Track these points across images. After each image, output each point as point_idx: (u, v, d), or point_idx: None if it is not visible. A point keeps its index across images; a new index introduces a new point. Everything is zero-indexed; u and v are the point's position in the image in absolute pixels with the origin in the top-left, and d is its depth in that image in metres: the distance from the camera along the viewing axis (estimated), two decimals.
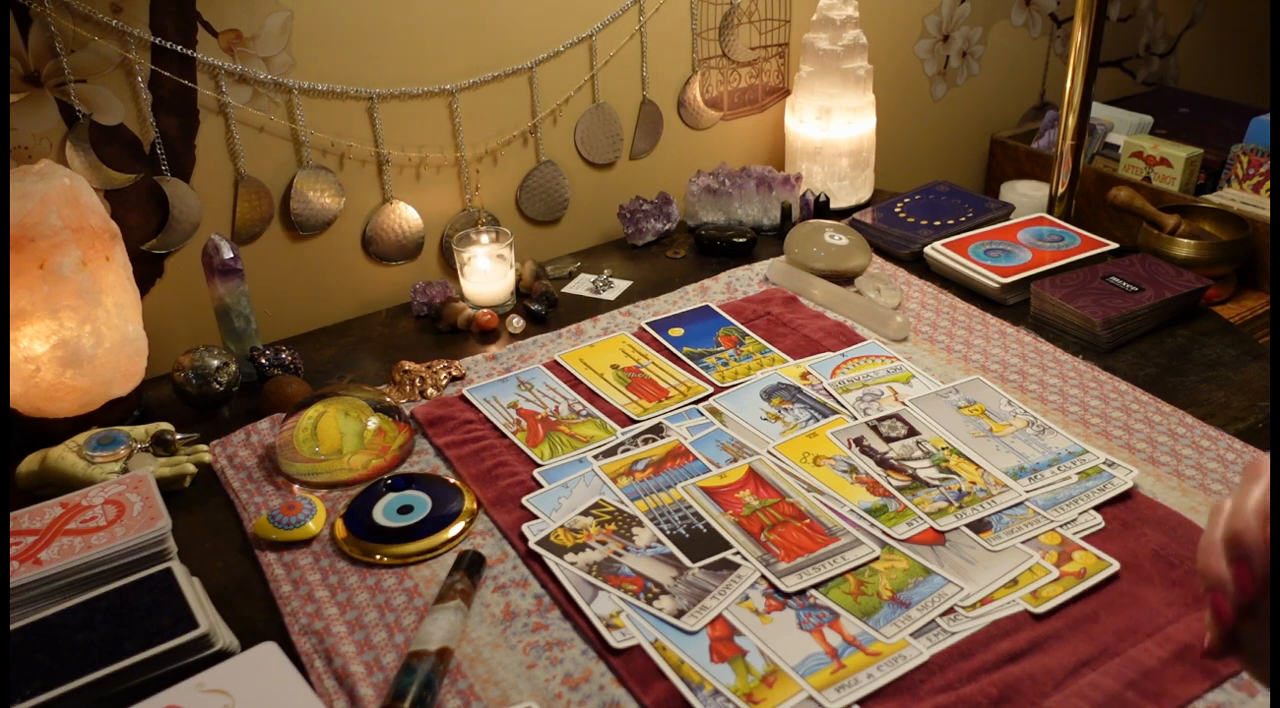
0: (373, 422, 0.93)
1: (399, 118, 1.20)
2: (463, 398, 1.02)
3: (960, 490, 0.85)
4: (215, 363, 1.00)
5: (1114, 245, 1.22)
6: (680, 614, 0.74)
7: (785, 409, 0.97)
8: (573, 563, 0.79)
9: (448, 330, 1.17)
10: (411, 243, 1.27)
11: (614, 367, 1.06)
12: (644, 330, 1.13)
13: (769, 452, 0.91)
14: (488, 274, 1.18)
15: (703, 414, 0.97)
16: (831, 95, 1.39)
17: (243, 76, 1.09)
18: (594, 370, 1.05)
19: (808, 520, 0.82)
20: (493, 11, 1.21)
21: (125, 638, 0.69)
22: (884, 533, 0.81)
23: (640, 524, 0.83)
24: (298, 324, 1.21)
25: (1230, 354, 1.05)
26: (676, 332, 1.12)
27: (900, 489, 0.86)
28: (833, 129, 1.39)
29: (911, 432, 0.93)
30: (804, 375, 1.03)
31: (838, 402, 0.98)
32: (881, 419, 0.95)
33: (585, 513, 0.85)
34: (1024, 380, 1.01)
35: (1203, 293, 1.12)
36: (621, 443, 0.94)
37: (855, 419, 0.95)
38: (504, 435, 0.96)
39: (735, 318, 1.14)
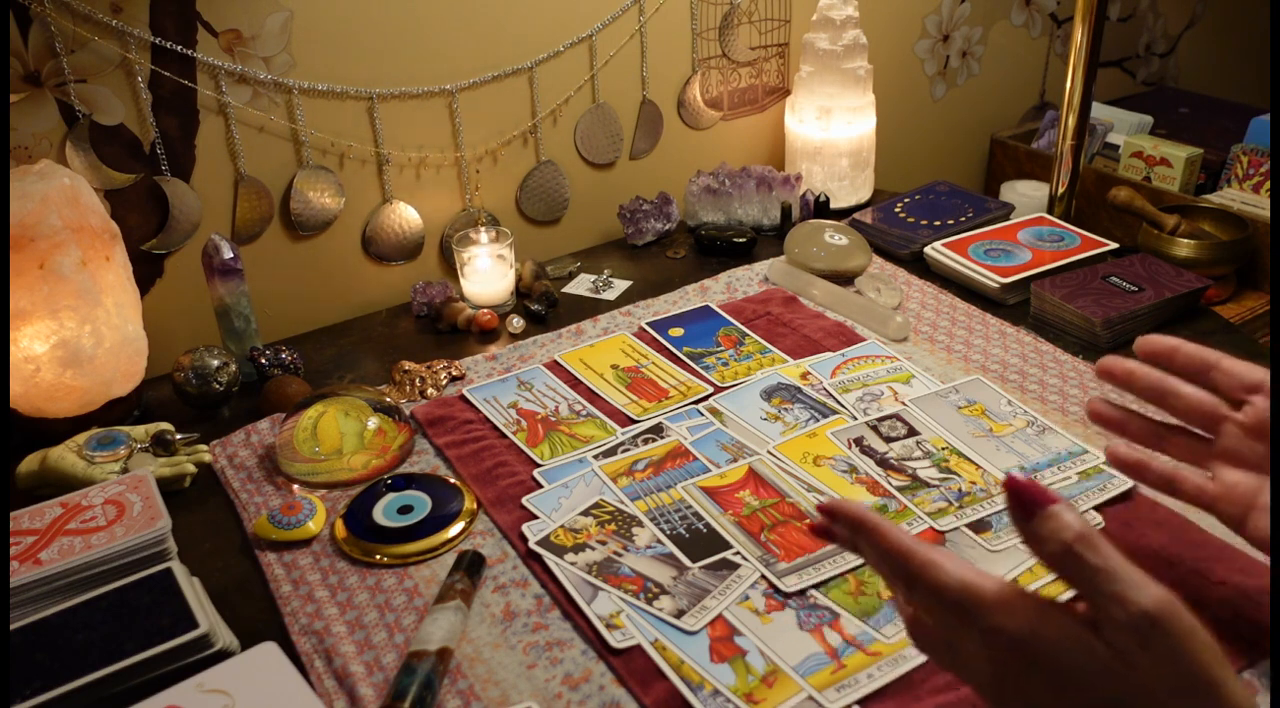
0: (373, 422, 0.93)
1: (399, 118, 1.20)
2: (463, 398, 1.02)
3: (960, 490, 0.85)
4: (215, 363, 1.00)
5: (1114, 245, 1.22)
6: (680, 614, 0.74)
7: (785, 409, 0.97)
8: (573, 563, 0.79)
9: (448, 330, 1.17)
10: (411, 243, 1.27)
11: (614, 367, 1.06)
12: (644, 330, 1.13)
13: (769, 452, 0.91)
14: (488, 274, 1.18)
15: (703, 414, 0.97)
16: (831, 95, 1.39)
17: (243, 76, 1.09)
18: (594, 370, 1.05)
19: (808, 520, 0.82)
20: (493, 11, 1.21)
21: (125, 638, 0.69)
22: None
23: (640, 524, 0.83)
24: (298, 324, 1.21)
25: (1230, 354, 1.05)
26: (676, 332, 1.12)
27: (900, 489, 0.86)
28: (833, 129, 1.39)
29: (911, 432, 0.93)
30: (804, 375, 1.03)
31: (838, 402, 0.98)
32: (881, 419, 0.95)
33: (585, 513, 0.85)
34: (1024, 380, 1.01)
35: (1203, 293, 1.12)
36: (621, 443, 0.94)
37: (855, 419, 0.95)
38: (504, 435, 0.96)
39: (735, 318, 1.14)
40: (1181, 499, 0.69)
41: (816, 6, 1.39)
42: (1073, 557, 0.47)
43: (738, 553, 0.79)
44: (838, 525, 0.52)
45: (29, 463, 0.91)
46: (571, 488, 0.88)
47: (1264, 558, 0.66)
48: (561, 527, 0.83)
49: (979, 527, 0.81)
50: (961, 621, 0.49)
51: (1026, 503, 0.48)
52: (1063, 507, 0.48)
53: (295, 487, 0.91)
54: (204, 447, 0.96)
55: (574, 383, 1.04)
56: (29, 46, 0.99)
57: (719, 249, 1.31)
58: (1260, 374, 0.66)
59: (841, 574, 0.77)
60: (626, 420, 0.97)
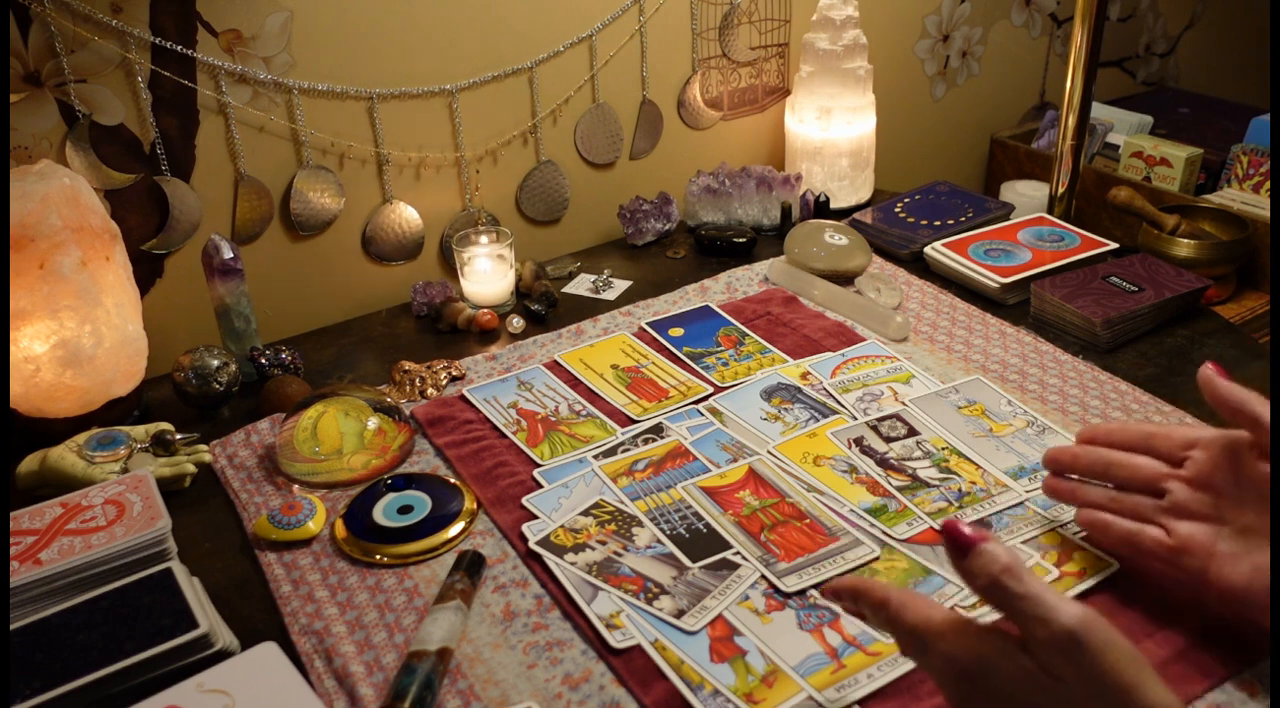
0: (373, 422, 0.93)
1: (399, 118, 1.20)
2: (463, 398, 1.02)
3: (960, 491, 0.85)
4: (215, 363, 1.00)
5: (1114, 245, 1.22)
6: (680, 614, 0.74)
7: (785, 409, 0.97)
8: (573, 563, 0.79)
9: (448, 330, 1.17)
10: (411, 243, 1.27)
11: (614, 367, 1.06)
12: (644, 330, 1.13)
13: (769, 452, 0.91)
14: (488, 274, 1.18)
15: (703, 414, 0.97)
16: (831, 95, 1.39)
17: (243, 76, 1.09)
18: (594, 370, 1.05)
19: (808, 520, 0.82)
20: (493, 11, 1.21)
21: (125, 638, 0.69)
22: (884, 533, 0.81)
23: (640, 524, 0.83)
24: (298, 324, 1.21)
25: (1230, 354, 1.05)
26: (676, 332, 1.12)
27: (900, 489, 0.86)
28: (833, 129, 1.39)
29: (911, 432, 0.93)
30: (804, 375, 1.03)
31: (838, 402, 0.98)
32: (881, 419, 0.95)
33: (585, 513, 0.85)
34: (1024, 380, 1.01)
35: (1203, 293, 1.12)
36: (621, 443, 0.94)
37: (855, 419, 0.95)
38: (504, 435, 0.96)
39: (735, 318, 1.14)
40: (1143, 556, 0.73)
41: (816, 6, 1.39)
42: (999, 587, 0.53)
43: (738, 553, 0.79)
44: (844, 602, 0.61)
45: (29, 463, 0.91)
46: (571, 488, 0.88)
47: (1227, 606, 0.70)
48: (561, 527, 0.83)
49: (979, 527, 0.81)
50: (921, 651, 0.56)
51: (960, 544, 0.55)
52: (991, 545, 0.54)
53: (295, 487, 0.91)
54: (204, 447, 0.96)
55: (574, 383, 1.04)
56: (29, 46, 0.99)
57: (719, 249, 1.31)
58: (1195, 432, 0.71)
59: (842, 574, 0.77)
60: (626, 420, 0.97)
